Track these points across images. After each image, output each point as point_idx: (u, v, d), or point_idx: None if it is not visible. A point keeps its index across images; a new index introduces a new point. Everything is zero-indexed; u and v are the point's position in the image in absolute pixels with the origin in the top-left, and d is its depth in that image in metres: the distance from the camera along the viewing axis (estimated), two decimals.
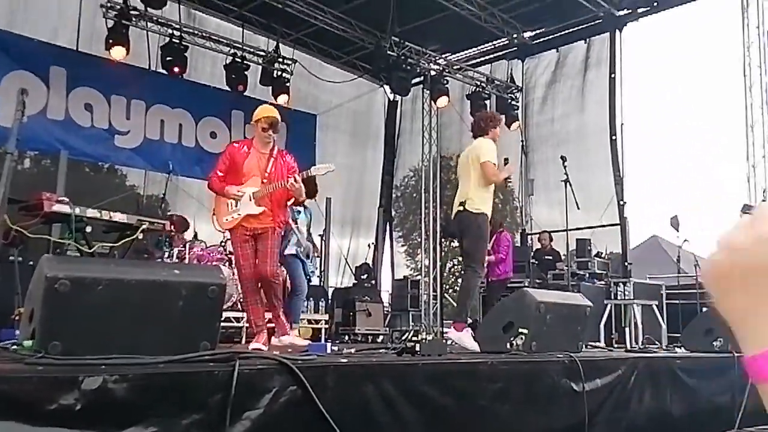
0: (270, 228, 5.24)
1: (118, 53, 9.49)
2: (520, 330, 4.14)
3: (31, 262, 5.22)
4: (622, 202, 10.58)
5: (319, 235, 10.34)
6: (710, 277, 0.70)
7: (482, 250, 5.68)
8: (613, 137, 10.88)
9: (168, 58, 10.16)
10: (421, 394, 3.13)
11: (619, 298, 8.62)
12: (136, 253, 6.20)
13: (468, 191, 5.71)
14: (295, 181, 5.13)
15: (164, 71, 10.27)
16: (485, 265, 6.22)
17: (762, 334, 0.64)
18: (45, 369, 2.17)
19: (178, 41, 10.22)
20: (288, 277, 6.97)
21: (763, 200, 8.89)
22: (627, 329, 8.49)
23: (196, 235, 8.82)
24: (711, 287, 0.70)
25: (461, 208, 5.65)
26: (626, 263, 10.07)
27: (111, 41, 9.43)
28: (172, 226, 7.11)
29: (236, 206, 5.20)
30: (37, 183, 9.65)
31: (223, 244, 9.42)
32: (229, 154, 5.34)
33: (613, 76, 11.08)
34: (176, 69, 10.22)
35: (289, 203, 5.69)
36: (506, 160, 6.11)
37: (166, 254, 7.78)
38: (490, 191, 5.81)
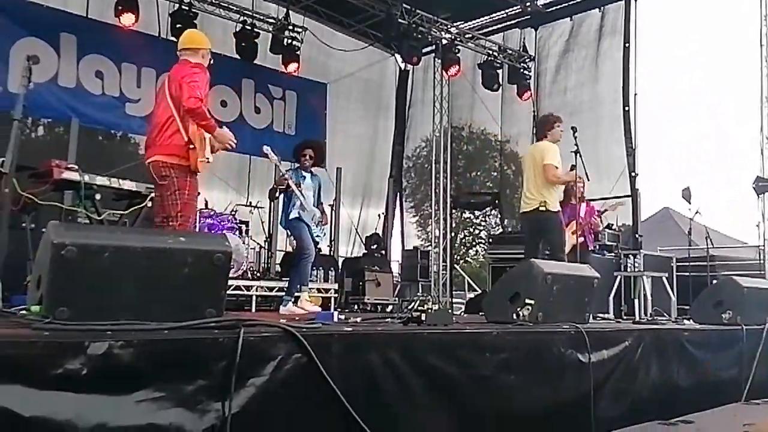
0: None
1: (127, 20, 9.44)
2: (527, 301, 4.14)
3: (43, 229, 5.24)
4: (633, 174, 10.50)
5: (330, 204, 10.35)
6: None
7: (564, 243, 6.57)
8: (626, 108, 10.76)
9: (178, 26, 10.06)
10: (427, 363, 3.14)
11: (629, 270, 8.60)
12: (147, 221, 6.22)
13: (542, 192, 6.46)
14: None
15: (174, 38, 10.20)
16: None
17: None
18: (51, 334, 2.19)
19: (187, 8, 10.13)
20: (294, 241, 6.98)
21: None
22: (636, 301, 8.49)
23: (206, 203, 8.86)
24: None
25: (543, 208, 6.39)
26: (637, 235, 10.02)
27: (120, 8, 9.38)
28: None
29: (204, 148, 4.61)
30: (50, 150, 9.67)
31: (233, 212, 9.48)
32: (206, 83, 4.57)
33: (627, 45, 10.91)
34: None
35: None
36: (573, 167, 6.54)
37: None
38: (559, 189, 6.66)
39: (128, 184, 5.48)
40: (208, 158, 4.64)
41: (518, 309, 4.15)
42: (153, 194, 5.55)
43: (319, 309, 6.65)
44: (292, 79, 11.62)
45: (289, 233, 7.12)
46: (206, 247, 2.80)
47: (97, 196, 5.26)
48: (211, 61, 4.92)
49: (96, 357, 2.13)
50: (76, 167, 5.16)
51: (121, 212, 5.53)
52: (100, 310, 2.44)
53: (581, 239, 7.38)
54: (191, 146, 4.45)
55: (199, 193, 4.92)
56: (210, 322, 2.61)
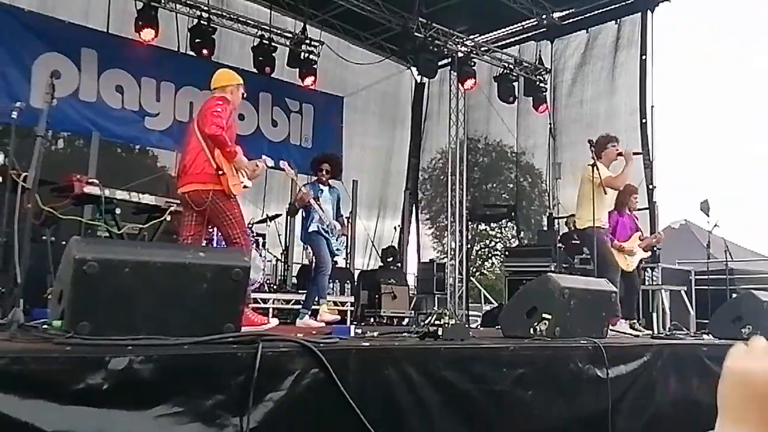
0: None
1: (147, 35, 9.57)
2: (544, 315, 4.12)
3: (63, 243, 5.31)
4: (651, 186, 10.44)
5: (346, 217, 10.39)
6: (728, 386, 0.74)
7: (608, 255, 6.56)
8: (644, 120, 10.72)
9: (197, 40, 10.21)
10: (443, 378, 3.14)
11: (647, 283, 8.53)
12: (166, 235, 6.28)
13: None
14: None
15: (193, 53, 10.33)
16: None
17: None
18: (73, 349, 2.22)
19: (206, 23, 10.25)
20: (312, 254, 7.03)
21: None
22: (654, 315, 8.42)
23: None
24: (727, 392, 0.72)
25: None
26: (655, 248, 9.94)
27: (140, 23, 9.50)
28: None
29: (250, 175, 4.98)
30: (70, 163, 9.83)
31: (251, 226, 9.53)
32: (230, 113, 4.88)
33: (644, 57, 10.88)
34: (205, 51, 10.27)
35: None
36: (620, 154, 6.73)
37: None
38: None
39: (147, 198, 5.55)
40: (244, 183, 4.94)
41: (535, 323, 4.13)
42: (171, 208, 5.63)
43: (339, 318, 6.67)
44: (308, 92, 11.71)
45: (308, 247, 7.16)
46: (225, 262, 2.84)
47: (117, 210, 5.33)
48: (244, 95, 5.24)
49: (117, 372, 2.16)
50: (97, 182, 5.23)
51: (141, 226, 5.59)
52: (121, 325, 2.48)
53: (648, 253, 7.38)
54: (220, 172, 4.72)
55: None
56: (229, 337, 2.63)
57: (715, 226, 8.79)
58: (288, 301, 8.95)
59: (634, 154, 7.03)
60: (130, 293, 2.55)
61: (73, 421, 2.05)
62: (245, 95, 5.15)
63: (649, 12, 10.94)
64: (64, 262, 2.65)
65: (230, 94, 5.05)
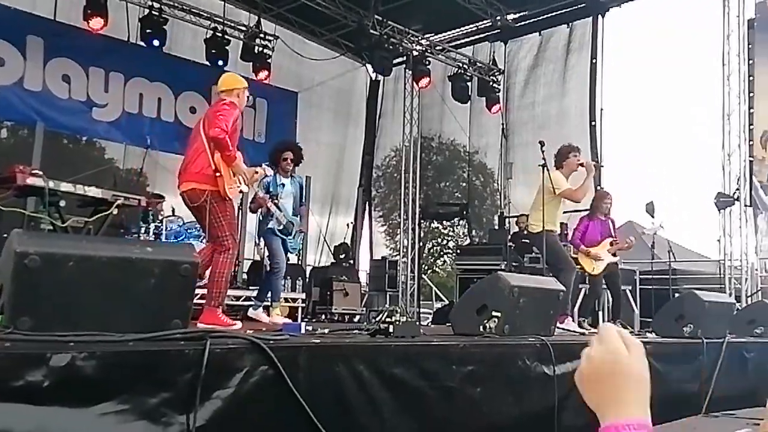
0: None
1: (96, 24, 9.34)
2: (494, 313, 4.16)
3: (5, 235, 5.14)
4: (599, 188, 10.64)
5: (306, 208, 10.31)
6: (576, 378, 0.97)
7: (561, 255, 6.66)
8: (593, 122, 10.95)
9: (147, 31, 10.01)
10: (394, 375, 3.15)
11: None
12: (112, 228, 6.13)
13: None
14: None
15: (143, 44, 10.12)
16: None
17: (604, 417, 0.93)
18: (13, 345, 2.15)
19: (157, 14, 10.07)
20: (265, 250, 6.85)
21: (737, 188, 9.00)
22: (600, 313, 8.60)
23: (173, 211, 8.76)
24: (578, 385, 0.97)
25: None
26: None
27: (89, 11, 9.28)
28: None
29: (246, 181, 5.15)
30: (13, 154, 9.53)
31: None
32: (235, 118, 4.95)
33: (594, 61, 11.13)
34: (155, 42, 10.08)
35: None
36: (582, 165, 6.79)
37: (143, 230, 7.73)
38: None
39: (94, 191, 5.40)
40: (240, 188, 5.08)
41: (485, 321, 4.17)
42: (118, 201, 5.50)
43: (289, 321, 6.59)
44: (262, 87, 11.59)
45: (259, 242, 7.02)
46: (173, 257, 2.78)
47: (62, 203, 5.16)
48: (249, 98, 5.34)
49: (58, 369, 2.10)
50: (41, 173, 5.06)
51: (86, 219, 5.44)
52: (64, 321, 2.41)
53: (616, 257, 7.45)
54: (218, 174, 4.82)
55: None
56: (176, 333, 2.58)
57: (660, 227, 9.03)
58: (238, 297, 8.85)
59: (595, 166, 7.13)
60: (74, 288, 2.48)
61: (12, 419, 1.98)
62: (250, 98, 5.24)
63: (599, 16, 11.18)
64: (4, 256, 2.56)
65: (237, 98, 5.13)
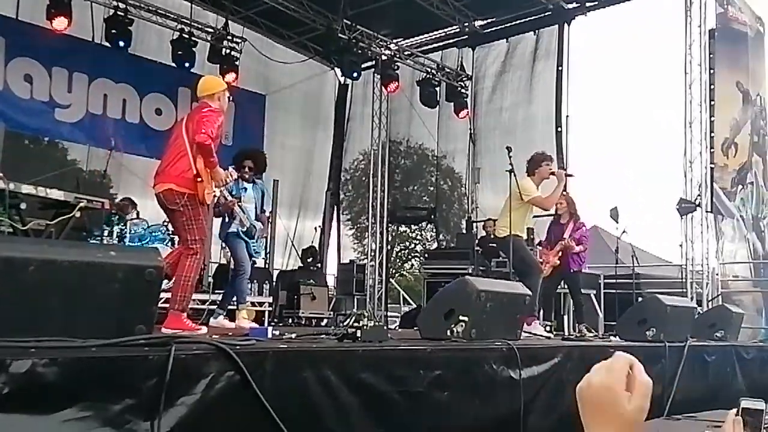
0: None
1: (60, 24, 9.17)
2: (461, 317, 4.19)
3: None
4: (564, 193, 10.76)
5: (267, 215, 10.24)
6: (577, 391, 1.00)
7: (528, 259, 6.69)
8: (559, 129, 11.10)
9: (112, 31, 9.87)
10: (361, 380, 3.14)
11: (558, 286, 8.79)
12: (75, 231, 6.02)
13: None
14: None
15: (108, 44, 9.97)
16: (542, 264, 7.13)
17: None
18: None
19: (123, 14, 9.93)
20: (231, 255, 6.85)
21: (699, 195, 9.18)
22: (565, 317, 8.70)
23: (138, 214, 8.64)
24: (577, 397, 1.00)
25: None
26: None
27: (53, 11, 9.11)
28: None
29: (222, 187, 5.21)
30: None
31: (165, 223, 9.27)
32: (219, 124, 4.97)
33: (560, 68, 11.28)
34: (121, 43, 9.94)
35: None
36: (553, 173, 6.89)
37: (106, 233, 7.60)
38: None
39: (56, 194, 5.30)
40: (215, 192, 5.13)
41: (452, 325, 4.19)
42: (81, 204, 5.40)
43: (255, 326, 6.54)
44: (230, 89, 11.43)
45: (225, 246, 6.98)
46: (137, 261, 2.74)
47: (23, 205, 5.05)
48: (230, 99, 5.41)
49: (18, 375, 2.05)
50: (1, 174, 4.95)
51: (48, 222, 5.33)
52: (25, 327, 2.35)
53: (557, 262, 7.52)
54: (199, 179, 4.82)
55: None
56: (140, 339, 2.54)
57: (624, 232, 9.17)
58: (203, 302, 8.75)
59: (566, 175, 7.22)
60: (35, 293, 2.42)
61: None
62: (231, 99, 5.30)
63: (566, 24, 11.34)
64: None
65: (218, 101, 5.17)
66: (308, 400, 2.90)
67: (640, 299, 7.76)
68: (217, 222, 7.08)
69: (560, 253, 7.40)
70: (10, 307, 2.37)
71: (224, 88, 5.30)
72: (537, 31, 11.74)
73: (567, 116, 11.11)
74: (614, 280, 9.56)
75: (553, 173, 6.84)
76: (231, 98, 5.40)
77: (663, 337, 5.47)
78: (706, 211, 9.18)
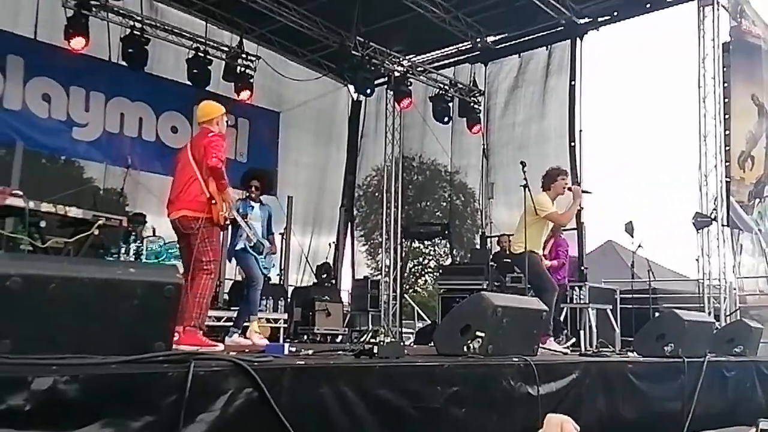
0: None
1: (77, 44, 9.30)
2: (477, 333, 4.17)
3: None
4: (579, 208, 10.73)
5: (280, 233, 10.27)
6: None
7: (544, 276, 6.64)
8: (572, 143, 11.07)
9: (129, 51, 9.99)
10: (378, 396, 3.13)
11: (574, 301, 8.76)
12: (93, 249, 6.07)
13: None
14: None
15: (125, 63, 10.09)
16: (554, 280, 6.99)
17: None
18: None
19: (139, 33, 10.05)
20: (243, 271, 6.93)
21: (714, 208, 9.12)
22: (582, 332, 8.64)
23: (154, 231, 8.70)
24: None
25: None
26: (582, 267, 10.23)
27: (71, 31, 9.24)
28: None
29: (223, 204, 5.17)
30: None
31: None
32: (225, 148, 5.15)
33: (573, 83, 11.26)
34: (137, 62, 10.06)
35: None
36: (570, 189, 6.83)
37: (123, 250, 7.66)
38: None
39: (74, 212, 5.35)
40: (226, 215, 5.17)
41: (469, 341, 4.18)
42: (99, 222, 5.46)
43: (266, 342, 6.55)
44: (244, 106, 11.59)
45: (236, 263, 7.05)
46: (156, 278, 2.76)
47: (42, 223, 5.12)
48: (228, 123, 5.58)
49: (40, 392, 2.07)
50: (21, 193, 5.02)
51: (66, 240, 5.39)
52: (45, 344, 2.38)
53: None
54: (213, 202, 4.97)
55: None
56: (159, 356, 2.56)
57: (639, 246, 9.12)
58: (219, 318, 8.77)
59: (583, 191, 7.20)
60: (56, 310, 2.44)
61: None
62: (229, 123, 5.40)
63: (578, 39, 11.34)
64: None
65: (216, 125, 5.25)
66: (325, 416, 2.90)
67: (657, 314, 7.69)
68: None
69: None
70: (31, 325, 2.40)
71: (222, 112, 5.38)
72: (549, 46, 11.75)
73: (580, 131, 11.08)
74: (630, 295, 9.49)
75: (569, 188, 6.81)
76: (232, 117, 5.51)
77: (681, 352, 5.41)
78: (723, 225, 9.12)
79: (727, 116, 9.32)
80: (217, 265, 5.12)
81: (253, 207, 6.80)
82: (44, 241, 5.12)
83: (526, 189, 6.48)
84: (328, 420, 2.90)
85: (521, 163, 6.71)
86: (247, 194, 6.86)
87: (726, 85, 9.36)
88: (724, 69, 9.38)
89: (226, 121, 5.51)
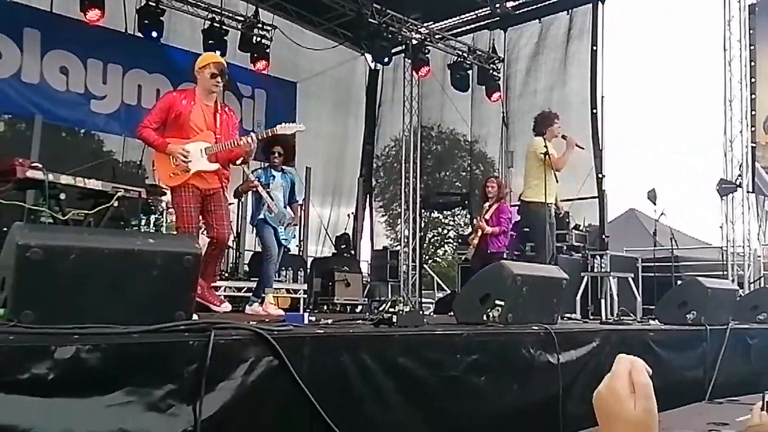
0: (220, 188, 5.06)
1: (93, 15, 9.28)
2: (497, 302, 4.15)
3: (5, 229, 5.12)
4: (600, 175, 10.64)
5: (299, 203, 10.28)
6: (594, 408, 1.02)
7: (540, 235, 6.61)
8: (594, 110, 10.91)
9: (145, 22, 9.96)
10: (398, 365, 3.14)
11: (595, 270, 8.71)
12: (113, 221, 6.10)
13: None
14: (252, 140, 4.99)
15: (141, 35, 10.06)
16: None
17: None
18: (17, 338, 2.14)
19: (154, 4, 10.00)
20: (259, 242, 6.95)
21: (739, 174, 8.98)
22: (603, 301, 8.60)
23: None
24: (596, 412, 1.02)
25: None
26: (603, 236, 10.15)
27: (86, 3, 9.22)
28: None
29: (185, 161, 4.86)
30: (12, 147, 9.47)
31: None
32: (169, 105, 4.93)
33: (594, 48, 11.07)
34: (153, 33, 10.03)
35: (238, 163, 5.33)
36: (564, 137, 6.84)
37: (143, 222, 7.71)
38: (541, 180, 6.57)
39: (93, 183, 5.37)
40: (172, 174, 4.88)
41: (488, 310, 4.16)
42: (119, 194, 5.48)
43: (282, 312, 6.60)
44: (261, 77, 11.54)
45: (253, 230, 7.08)
46: (175, 248, 2.77)
47: (62, 196, 5.14)
48: (215, 75, 5.07)
49: (63, 361, 2.09)
50: (40, 165, 5.04)
51: (86, 212, 5.42)
52: (67, 314, 2.40)
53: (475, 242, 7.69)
54: (153, 167, 4.93)
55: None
56: (180, 325, 2.57)
57: (662, 214, 9.02)
58: (240, 289, 8.85)
59: (577, 146, 7.10)
60: (77, 281, 2.46)
61: (18, 411, 1.97)
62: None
63: (599, 3, 11.11)
64: (6, 249, 2.54)
65: (200, 77, 5.09)
66: (345, 384, 2.91)
67: (679, 282, 7.63)
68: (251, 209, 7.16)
69: (478, 234, 7.43)
70: (53, 295, 2.42)
71: (203, 64, 5.16)
72: (570, 10, 11.53)
73: (602, 97, 10.92)
74: (652, 264, 9.41)
75: (563, 136, 6.74)
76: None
77: (704, 320, 5.37)
78: (747, 191, 8.98)
79: (753, 80, 9.13)
80: (191, 231, 4.90)
81: (274, 176, 6.72)
82: (64, 213, 5.15)
83: (546, 156, 6.42)
84: (348, 388, 2.91)
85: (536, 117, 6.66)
86: (268, 163, 6.81)
87: (752, 47, 9.15)
88: (751, 31, 9.16)
89: (216, 74, 5.10)
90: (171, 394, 2.30)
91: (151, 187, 8.38)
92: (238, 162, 5.24)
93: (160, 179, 4.91)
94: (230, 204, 8.57)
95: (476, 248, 7.75)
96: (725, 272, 8.87)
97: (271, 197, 6.55)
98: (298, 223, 7.05)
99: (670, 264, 8.90)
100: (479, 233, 7.78)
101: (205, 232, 5.31)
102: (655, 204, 8.89)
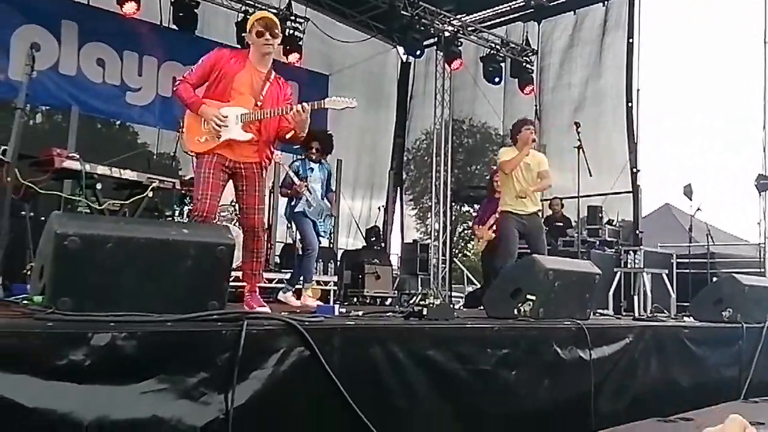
0: (255, 164, 4.32)
1: (129, 8, 9.40)
2: (528, 296, 4.13)
3: (42, 218, 5.24)
4: (635, 170, 10.47)
5: (334, 192, 10.31)
6: None
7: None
8: (629, 104, 10.72)
9: (179, 14, 10.06)
10: (428, 357, 3.14)
11: (629, 266, 8.59)
12: (147, 211, 6.19)
13: None
14: (302, 109, 4.20)
15: (176, 27, 10.17)
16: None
17: None
18: (55, 325, 2.18)
19: None
20: (297, 234, 6.98)
21: None
22: (636, 297, 8.49)
23: None
24: None
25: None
26: (637, 231, 10.01)
27: None
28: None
29: (219, 125, 4.18)
30: (49, 138, 9.66)
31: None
32: (215, 61, 4.26)
33: (630, 40, 10.86)
34: (187, 25, 10.13)
35: (288, 136, 4.52)
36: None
37: (177, 213, 7.80)
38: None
39: (129, 174, 5.46)
40: (199, 139, 4.27)
41: (519, 304, 4.14)
42: (154, 184, 5.55)
43: (321, 304, 6.64)
44: (293, 69, 11.55)
45: (292, 226, 7.08)
46: (209, 239, 2.80)
47: (98, 186, 5.24)
48: (263, 32, 4.33)
49: (99, 348, 2.13)
50: (77, 156, 5.14)
51: (122, 202, 5.51)
52: (103, 301, 2.44)
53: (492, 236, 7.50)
54: (181, 130, 4.38)
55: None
56: (213, 314, 2.60)
57: (698, 210, 8.86)
58: (270, 280, 8.91)
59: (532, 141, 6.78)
60: (113, 269, 2.50)
61: (55, 396, 2.02)
62: (261, 31, 4.29)
63: None
64: (44, 238, 2.59)
65: (250, 38, 4.38)
66: (375, 376, 2.91)
67: (714, 279, 7.50)
68: (283, 201, 7.20)
69: (494, 227, 7.30)
70: (90, 283, 2.46)
71: (249, 25, 4.36)
72: (606, 2, 11.33)
73: (638, 90, 10.73)
74: (688, 260, 9.26)
75: (533, 140, 6.43)
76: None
77: (740, 318, 5.27)
78: None
79: None
80: (204, 203, 4.20)
81: (312, 169, 6.77)
82: (101, 203, 5.24)
83: (580, 150, 6.34)
84: (378, 380, 2.92)
85: (575, 123, 6.59)
86: (306, 155, 6.83)
87: None
88: None
89: (262, 32, 4.29)
90: (203, 382, 2.34)
91: (187, 179, 8.49)
92: (288, 136, 4.46)
93: (185, 144, 4.34)
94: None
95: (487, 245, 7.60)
96: (762, 269, 8.69)
97: (309, 191, 6.58)
98: (336, 214, 7.06)
99: (705, 260, 8.75)
100: (481, 242, 7.65)
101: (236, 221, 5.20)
102: (691, 199, 8.75)
